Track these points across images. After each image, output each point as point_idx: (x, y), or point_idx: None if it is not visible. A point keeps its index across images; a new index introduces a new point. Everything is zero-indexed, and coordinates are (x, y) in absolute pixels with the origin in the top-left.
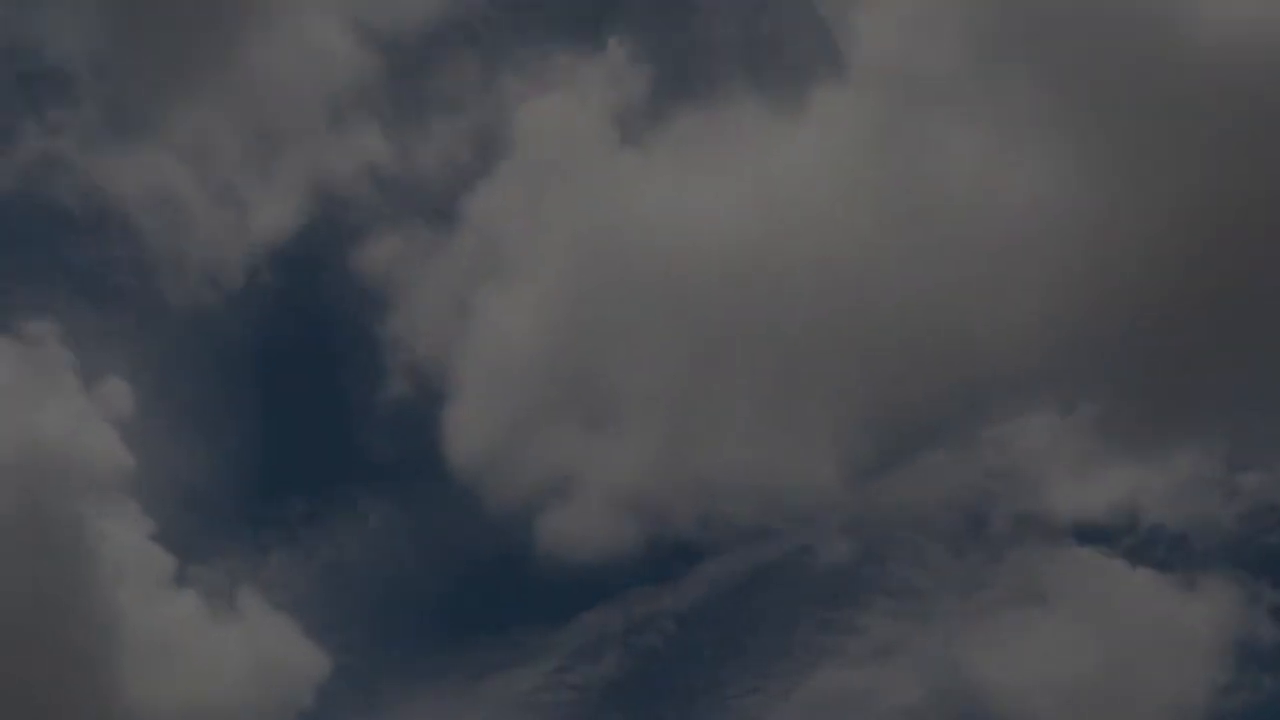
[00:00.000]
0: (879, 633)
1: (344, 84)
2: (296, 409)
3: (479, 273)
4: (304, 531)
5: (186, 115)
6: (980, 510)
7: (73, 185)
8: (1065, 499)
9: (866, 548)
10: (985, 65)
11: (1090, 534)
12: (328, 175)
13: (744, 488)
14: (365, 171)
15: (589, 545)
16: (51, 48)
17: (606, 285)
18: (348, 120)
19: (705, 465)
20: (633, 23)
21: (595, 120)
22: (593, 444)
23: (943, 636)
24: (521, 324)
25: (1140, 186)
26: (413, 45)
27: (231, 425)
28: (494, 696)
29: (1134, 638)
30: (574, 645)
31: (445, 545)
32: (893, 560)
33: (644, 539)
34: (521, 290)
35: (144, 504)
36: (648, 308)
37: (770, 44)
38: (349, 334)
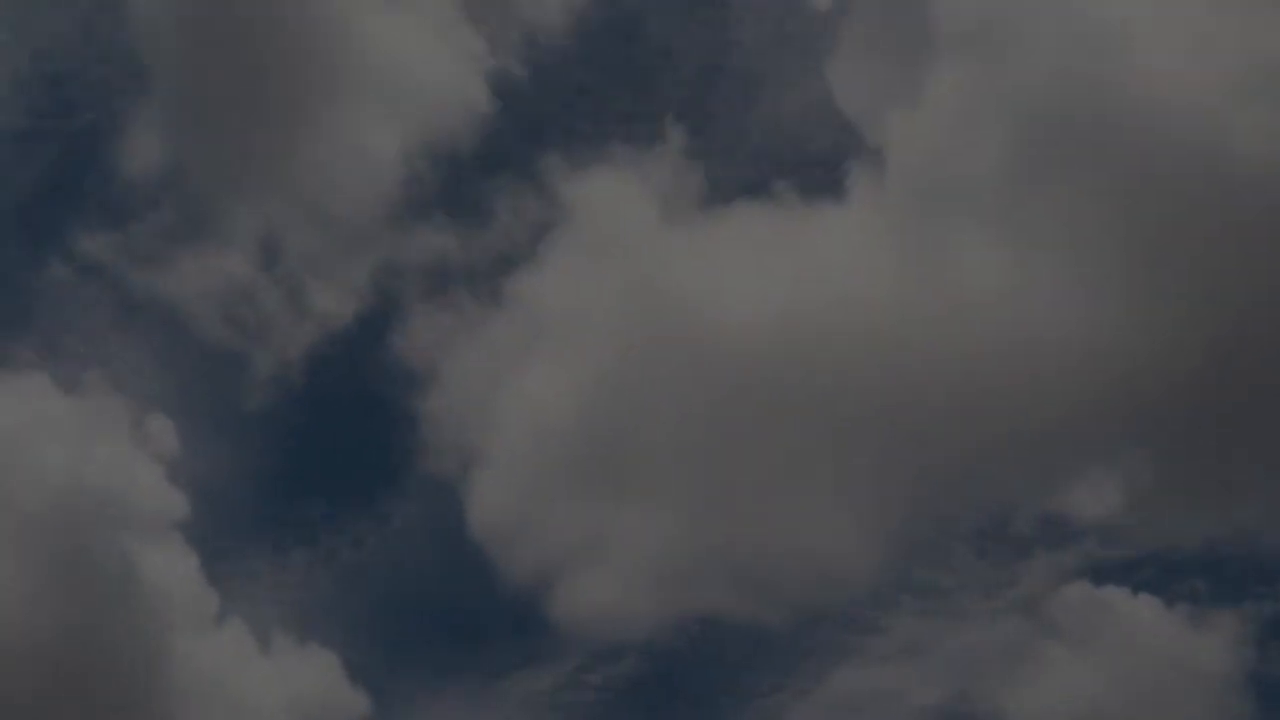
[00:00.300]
0: (902, 632)
1: (400, 179)
2: (333, 471)
3: (521, 349)
4: (338, 561)
5: (251, 217)
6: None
7: (144, 283)
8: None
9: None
10: (1018, 169)
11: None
12: (385, 265)
13: (776, 563)
14: (419, 259)
15: (610, 614)
16: (128, 157)
17: (645, 362)
18: (404, 213)
19: (737, 540)
20: (683, 113)
21: (640, 204)
22: (623, 516)
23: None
24: (561, 399)
25: (1156, 295)
26: (466, 137)
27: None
28: (514, 695)
29: (1151, 671)
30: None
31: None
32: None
33: (671, 610)
34: (562, 366)
35: (191, 542)
36: (685, 384)
37: (814, 139)
38: (393, 405)
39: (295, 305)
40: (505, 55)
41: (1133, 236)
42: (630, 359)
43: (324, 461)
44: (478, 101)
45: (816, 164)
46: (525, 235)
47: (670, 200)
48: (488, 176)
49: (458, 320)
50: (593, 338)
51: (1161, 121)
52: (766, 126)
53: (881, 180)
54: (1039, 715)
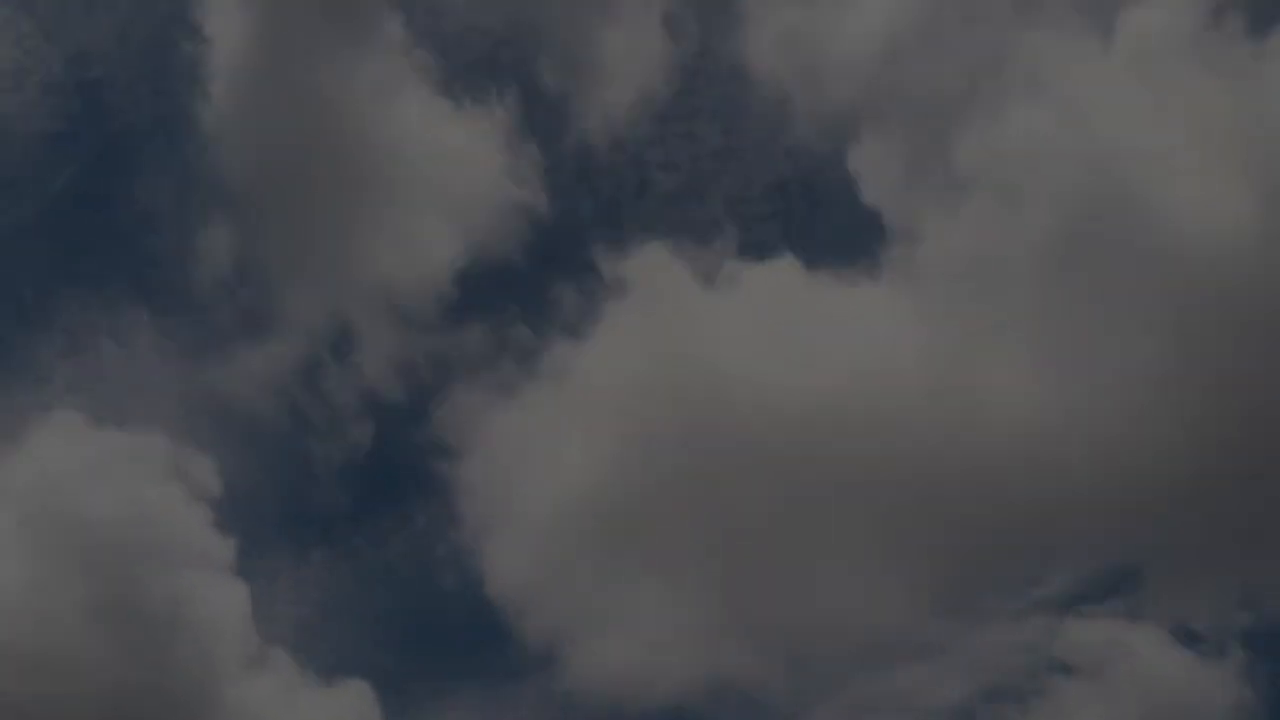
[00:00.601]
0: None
1: (449, 268)
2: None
3: (556, 418)
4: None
5: (310, 305)
6: None
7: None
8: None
9: None
10: (1048, 265)
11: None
12: (436, 349)
13: (801, 631)
14: (469, 343)
15: (629, 679)
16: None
17: (674, 432)
18: (457, 302)
19: (763, 607)
20: (726, 189)
21: (679, 282)
22: (647, 582)
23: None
24: (592, 467)
25: (1177, 389)
26: (517, 231)
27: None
28: (531, 694)
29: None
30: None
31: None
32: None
33: (693, 676)
34: (595, 434)
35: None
36: (711, 452)
37: (849, 222)
38: (431, 472)
39: (347, 384)
40: (556, 155)
41: (1157, 332)
42: (660, 428)
43: (357, 521)
44: (529, 198)
45: (851, 247)
46: (572, 314)
47: (707, 277)
48: (537, 265)
49: (498, 394)
50: (624, 408)
51: (1192, 230)
52: (801, 209)
53: (913, 266)
54: None
